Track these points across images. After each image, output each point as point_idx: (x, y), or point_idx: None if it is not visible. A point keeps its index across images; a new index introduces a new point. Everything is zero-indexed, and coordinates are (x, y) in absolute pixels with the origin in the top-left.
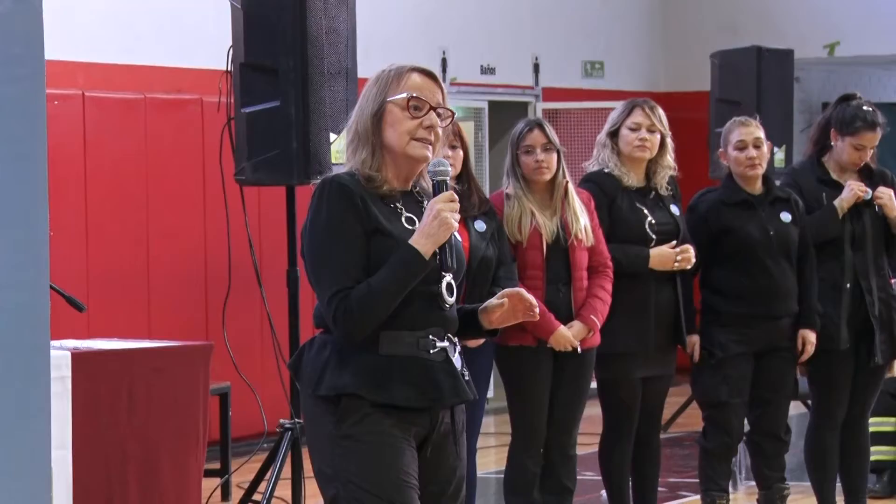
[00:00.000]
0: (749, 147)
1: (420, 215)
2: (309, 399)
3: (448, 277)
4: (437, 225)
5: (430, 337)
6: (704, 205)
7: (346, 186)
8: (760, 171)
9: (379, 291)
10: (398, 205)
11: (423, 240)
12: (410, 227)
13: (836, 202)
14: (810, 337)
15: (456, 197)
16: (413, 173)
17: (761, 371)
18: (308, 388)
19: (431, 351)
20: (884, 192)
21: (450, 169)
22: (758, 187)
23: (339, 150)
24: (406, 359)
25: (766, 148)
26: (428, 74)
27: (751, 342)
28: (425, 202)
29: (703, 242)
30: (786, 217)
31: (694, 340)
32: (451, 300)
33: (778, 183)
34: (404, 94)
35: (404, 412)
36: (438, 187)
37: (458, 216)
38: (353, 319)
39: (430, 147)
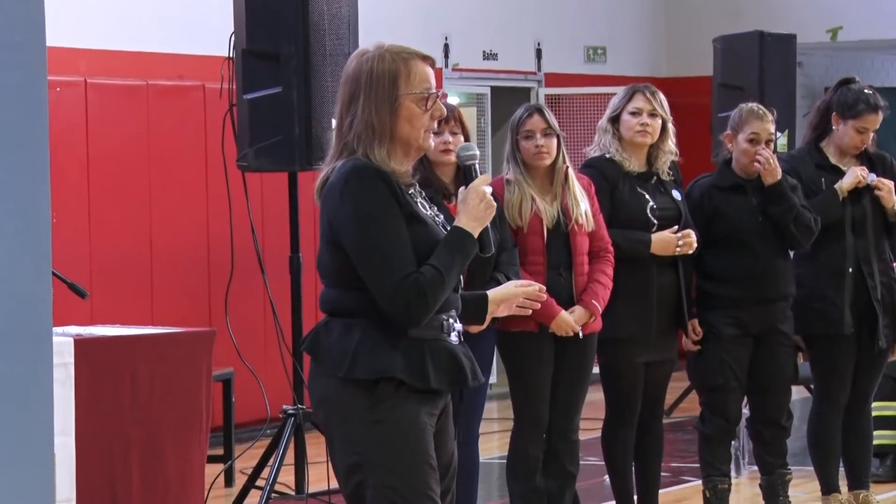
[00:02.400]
0: (761, 143)
1: (423, 198)
2: (333, 382)
3: None
4: (483, 207)
5: (450, 320)
6: (698, 190)
7: (383, 172)
8: (761, 168)
9: (446, 274)
10: (411, 191)
11: (473, 222)
12: (427, 212)
13: (837, 185)
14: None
15: (490, 178)
16: (413, 160)
17: (760, 359)
18: (337, 372)
19: (451, 333)
20: (884, 185)
21: (477, 152)
22: (754, 174)
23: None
24: (433, 342)
25: (773, 146)
26: (430, 61)
27: (746, 325)
28: (416, 187)
29: (700, 227)
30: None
31: (691, 324)
32: (462, 285)
33: None
34: (422, 91)
35: (432, 396)
36: (469, 171)
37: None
38: (425, 303)
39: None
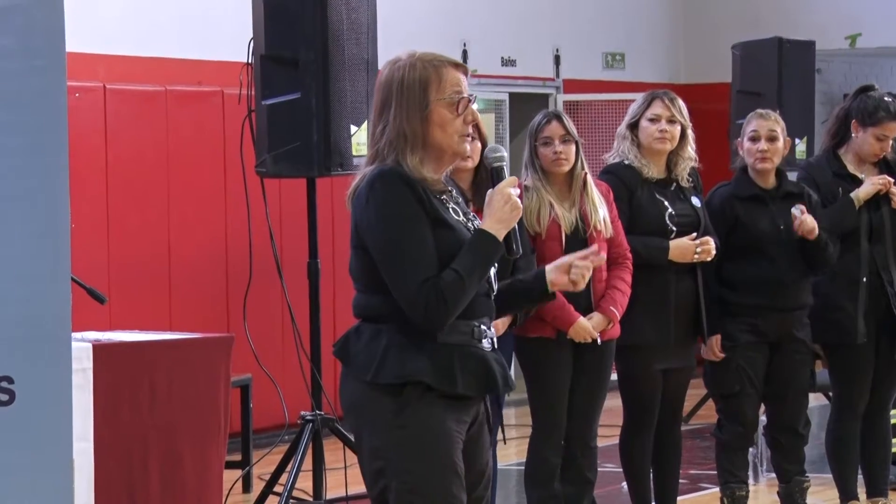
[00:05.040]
0: (761, 140)
1: (457, 203)
2: (361, 387)
3: (493, 267)
4: (508, 210)
5: (482, 326)
6: (718, 198)
7: (408, 177)
8: (770, 165)
9: (468, 278)
10: (443, 196)
11: (497, 225)
12: (457, 218)
13: (853, 194)
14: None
15: (518, 181)
16: (449, 165)
17: (777, 367)
18: (364, 376)
19: (483, 340)
20: None
21: (506, 154)
22: (770, 181)
23: (360, 142)
24: (463, 348)
25: (782, 142)
26: (462, 68)
27: (762, 333)
28: (454, 191)
29: (720, 236)
30: (797, 212)
31: (715, 340)
32: (495, 289)
33: (794, 176)
34: (453, 96)
35: (461, 402)
36: (497, 173)
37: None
38: (445, 307)
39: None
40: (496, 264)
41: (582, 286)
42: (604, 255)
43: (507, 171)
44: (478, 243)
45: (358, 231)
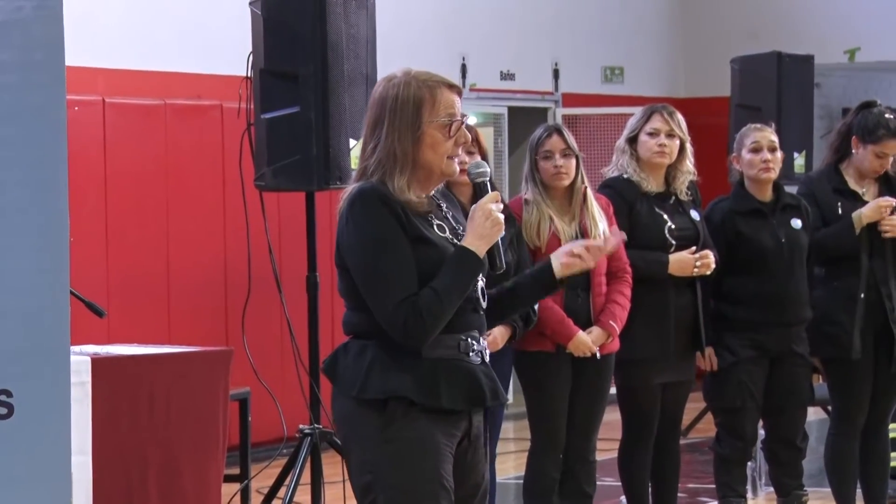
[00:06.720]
0: (764, 150)
1: (443, 220)
2: (349, 402)
3: (482, 281)
4: (489, 225)
5: (470, 340)
6: (718, 214)
7: (387, 196)
8: (774, 175)
9: (445, 295)
10: (429, 215)
11: (478, 241)
12: (442, 235)
13: (855, 215)
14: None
15: (500, 196)
16: (437, 185)
17: (775, 379)
18: (350, 392)
19: (471, 353)
20: (891, 225)
21: (489, 169)
22: (768, 194)
23: (359, 155)
24: (449, 362)
25: (779, 155)
26: (456, 89)
27: (762, 347)
28: (444, 206)
29: (721, 251)
30: (796, 224)
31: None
32: (485, 303)
33: (794, 190)
34: (445, 119)
35: (448, 416)
36: (481, 188)
37: (502, 216)
38: (423, 326)
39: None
40: (485, 280)
41: (592, 264)
42: (614, 240)
43: (489, 186)
44: (458, 260)
45: (340, 251)
